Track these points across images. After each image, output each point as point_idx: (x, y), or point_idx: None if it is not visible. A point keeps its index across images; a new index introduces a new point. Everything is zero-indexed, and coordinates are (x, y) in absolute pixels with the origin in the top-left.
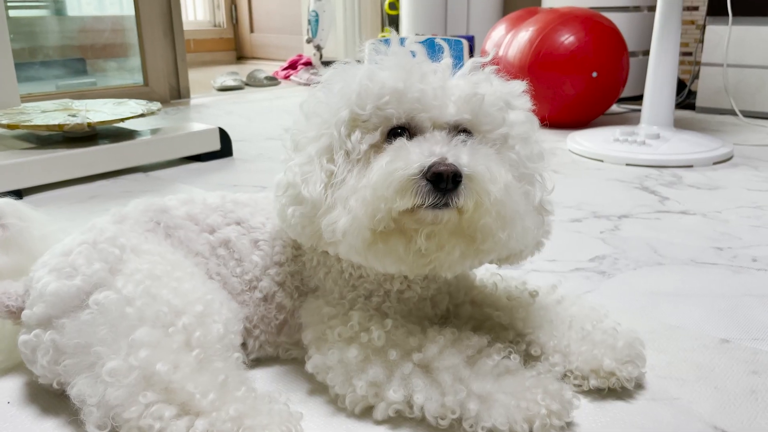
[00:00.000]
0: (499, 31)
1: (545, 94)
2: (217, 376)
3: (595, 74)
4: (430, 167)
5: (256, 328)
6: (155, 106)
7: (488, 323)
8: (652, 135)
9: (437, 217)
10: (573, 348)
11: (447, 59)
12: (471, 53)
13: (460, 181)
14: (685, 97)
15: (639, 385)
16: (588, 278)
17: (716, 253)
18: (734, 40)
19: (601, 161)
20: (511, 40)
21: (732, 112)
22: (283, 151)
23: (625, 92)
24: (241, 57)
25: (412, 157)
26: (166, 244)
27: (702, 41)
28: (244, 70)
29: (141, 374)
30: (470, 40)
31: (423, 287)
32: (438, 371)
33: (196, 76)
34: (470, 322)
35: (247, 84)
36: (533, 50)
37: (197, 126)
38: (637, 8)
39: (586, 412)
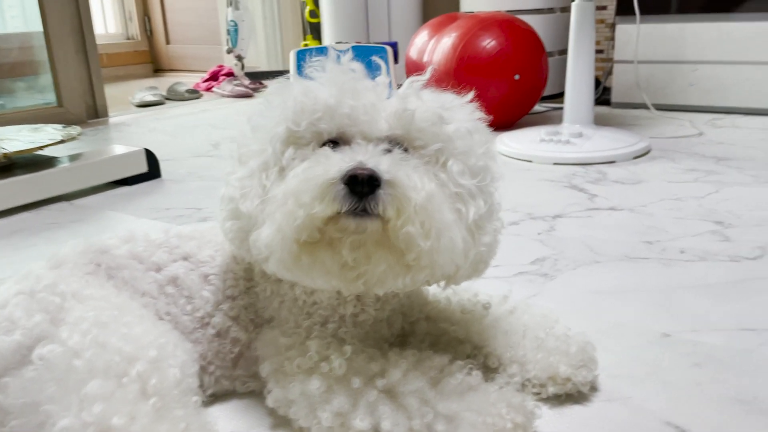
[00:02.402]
0: (422, 37)
1: (471, 98)
2: (178, 425)
3: (517, 77)
4: (347, 171)
5: (211, 364)
6: (74, 130)
7: (444, 338)
8: (575, 134)
9: (360, 226)
10: (529, 357)
11: (383, 77)
12: (396, 59)
13: (378, 185)
14: (601, 93)
15: (593, 388)
16: (532, 281)
17: (647, 247)
18: (643, 38)
19: (530, 162)
20: (434, 46)
21: (645, 106)
22: (228, 163)
23: (545, 91)
24: (158, 69)
25: (332, 162)
26: (110, 286)
27: (613, 39)
28: (163, 83)
29: (96, 430)
30: (394, 46)
31: (377, 309)
32: (403, 395)
33: (112, 92)
34: (427, 339)
35: (167, 98)
36: (457, 56)
37: (121, 148)
38: (550, 10)
39: (546, 419)
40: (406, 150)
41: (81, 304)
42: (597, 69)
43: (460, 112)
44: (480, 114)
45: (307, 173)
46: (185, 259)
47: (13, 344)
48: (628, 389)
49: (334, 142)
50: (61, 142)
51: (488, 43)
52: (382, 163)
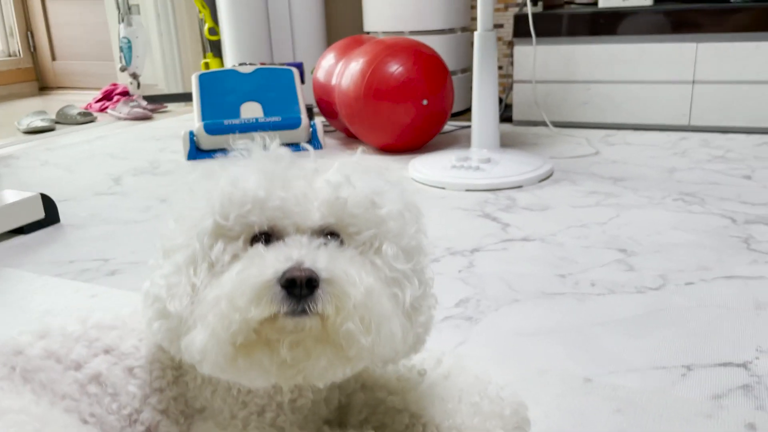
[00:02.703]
0: (329, 59)
1: (381, 123)
2: None
3: (425, 102)
4: (284, 273)
5: None
6: None
7: (381, 408)
8: (483, 159)
9: (299, 325)
10: (466, 423)
11: (311, 163)
12: (302, 80)
13: (317, 286)
14: (503, 110)
15: None
16: (458, 327)
17: (560, 281)
18: (540, 58)
19: (443, 188)
20: (342, 70)
21: (544, 123)
22: (153, 255)
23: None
24: (44, 87)
25: (267, 262)
26: (27, 391)
27: (512, 56)
28: (51, 103)
29: None
30: (299, 66)
31: (315, 391)
32: None
33: None
34: (364, 410)
35: (57, 122)
36: (366, 82)
37: (13, 195)
38: (451, 30)
39: None
40: (338, 236)
41: None
42: (498, 85)
43: (391, 193)
44: (409, 191)
45: (241, 275)
46: (107, 352)
47: None
48: None
49: (266, 234)
50: None
51: (396, 69)
52: (319, 260)
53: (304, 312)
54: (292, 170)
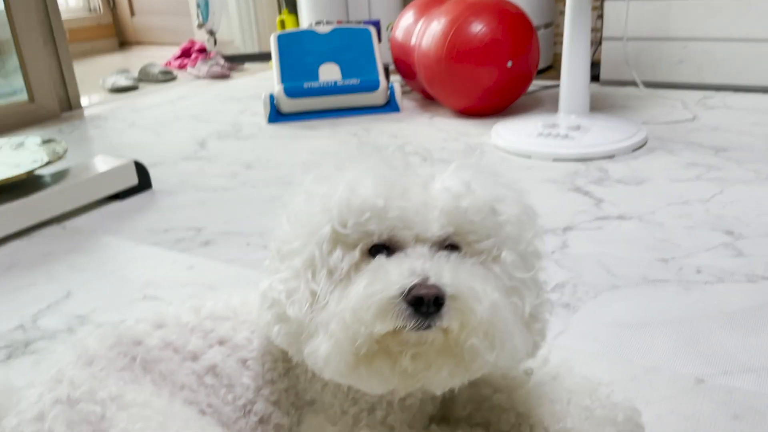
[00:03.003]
0: (408, 18)
1: (462, 86)
2: None
3: (510, 64)
4: (410, 290)
5: None
6: (60, 147)
7: (487, 404)
8: (572, 126)
9: (422, 338)
10: (577, 427)
11: (429, 168)
12: (379, 38)
13: (443, 303)
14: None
15: None
16: (556, 315)
17: (663, 266)
18: (632, 14)
19: (529, 158)
20: (423, 30)
21: (634, 84)
22: (267, 256)
23: None
24: (123, 43)
25: (392, 278)
26: (147, 381)
27: (601, 11)
28: (131, 59)
29: None
30: (376, 24)
31: (424, 390)
32: None
33: (80, 72)
34: (468, 406)
35: (140, 80)
36: (447, 43)
37: (109, 162)
38: None
39: None
40: (457, 245)
41: (123, 412)
42: None
43: (509, 197)
44: (525, 195)
45: (367, 290)
46: (221, 343)
47: None
48: None
49: (385, 244)
50: (49, 163)
51: (480, 29)
52: (445, 275)
53: (428, 327)
54: (409, 176)
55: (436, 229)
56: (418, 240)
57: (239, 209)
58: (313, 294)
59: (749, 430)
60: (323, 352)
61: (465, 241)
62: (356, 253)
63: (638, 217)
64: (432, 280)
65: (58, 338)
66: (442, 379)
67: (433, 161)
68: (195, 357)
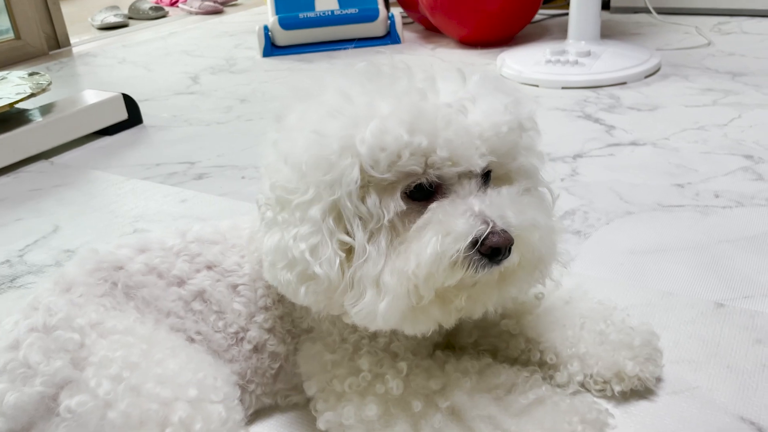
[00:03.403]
0: None
1: (466, 12)
2: None
3: None
4: (483, 240)
5: (251, 382)
6: (44, 79)
7: (494, 330)
8: (582, 53)
9: (482, 278)
10: (591, 352)
11: (458, 88)
12: None
13: (512, 245)
14: None
15: (657, 378)
16: (566, 241)
17: (679, 191)
18: None
19: (537, 86)
20: None
21: (646, 10)
22: (262, 204)
23: None
24: None
25: (459, 228)
26: (130, 308)
27: None
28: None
29: None
30: None
31: None
32: (472, 420)
33: (68, 12)
34: (475, 332)
35: (130, 18)
36: None
37: (97, 95)
38: None
39: (614, 421)
40: (490, 169)
41: (104, 339)
42: None
43: (530, 108)
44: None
45: (438, 246)
46: (209, 268)
47: (35, 396)
48: (693, 376)
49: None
50: (32, 95)
51: None
52: (509, 216)
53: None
54: (443, 102)
55: (481, 161)
56: (462, 174)
57: (234, 143)
58: (344, 247)
59: None
60: (383, 308)
61: (496, 164)
62: (397, 196)
63: (652, 143)
64: (500, 224)
65: (45, 273)
66: (483, 309)
67: (463, 75)
68: (181, 282)
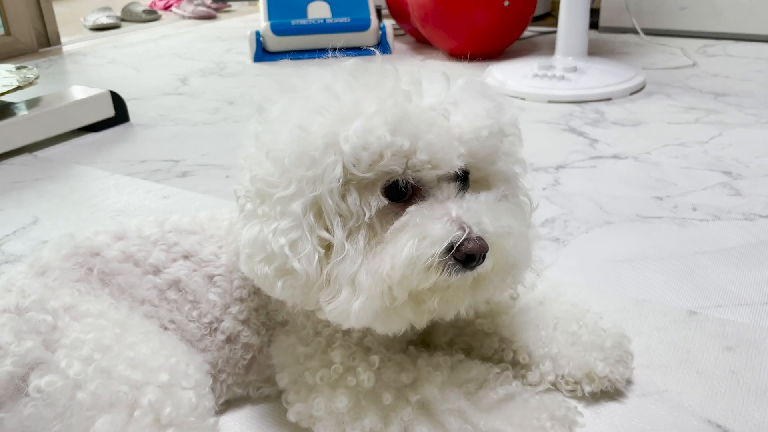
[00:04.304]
0: None
1: (457, 26)
2: None
3: (506, 3)
4: (459, 247)
5: (222, 372)
6: (31, 73)
7: (469, 329)
8: (569, 68)
9: (455, 282)
10: (563, 353)
11: (440, 92)
12: None
13: (487, 252)
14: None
15: (628, 381)
16: (545, 248)
17: (657, 204)
18: None
19: (524, 99)
20: None
21: (634, 31)
22: (241, 195)
23: None
24: None
25: (435, 233)
26: (105, 294)
27: None
28: (116, 1)
29: None
30: None
31: None
32: (442, 414)
33: (60, 12)
34: (450, 331)
35: (123, 20)
36: None
37: (84, 91)
38: None
39: (582, 419)
40: (467, 171)
41: (77, 322)
42: None
43: (512, 114)
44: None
45: (413, 250)
46: (186, 258)
47: (4, 375)
48: (662, 380)
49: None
50: (19, 88)
51: None
52: (485, 223)
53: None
54: (429, 112)
55: (459, 163)
56: (441, 177)
57: (219, 143)
58: (323, 244)
59: (742, 361)
60: (356, 307)
61: (474, 167)
62: (379, 195)
63: (634, 156)
64: (476, 231)
65: (22, 263)
66: (456, 311)
67: (448, 79)
68: (157, 270)
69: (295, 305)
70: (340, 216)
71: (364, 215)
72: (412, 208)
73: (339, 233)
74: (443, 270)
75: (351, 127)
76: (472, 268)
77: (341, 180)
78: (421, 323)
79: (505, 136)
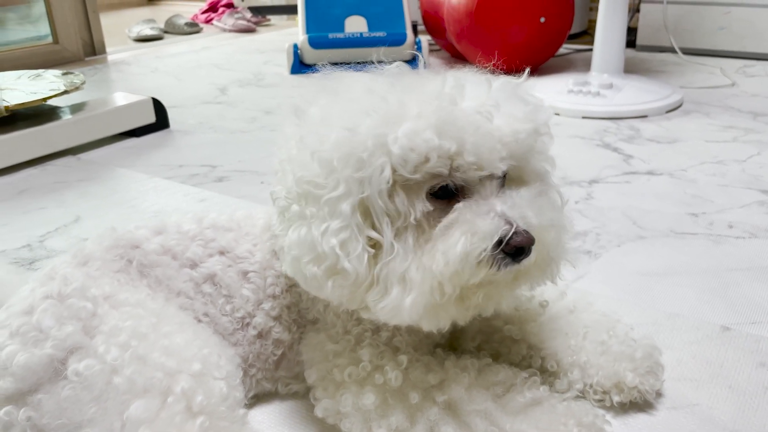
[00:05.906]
0: None
1: (492, 42)
2: None
3: (543, 19)
4: (508, 240)
5: (252, 366)
6: (78, 78)
7: (497, 336)
8: (605, 85)
9: (501, 277)
10: (592, 361)
11: (484, 95)
12: None
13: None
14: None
15: (658, 393)
16: (577, 259)
17: (693, 220)
18: None
19: (558, 114)
20: None
21: (672, 50)
22: (281, 197)
23: None
24: None
25: (484, 228)
26: (143, 285)
27: None
28: (160, 14)
29: None
30: None
31: None
32: (468, 415)
33: (107, 23)
34: (478, 337)
35: (166, 32)
36: None
37: (127, 98)
38: None
39: (611, 428)
40: (505, 174)
41: (115, 310)
42: None
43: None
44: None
45: (464, 246)
46: (222, 253)
47: (44, 358)
48: (693, 394)
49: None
50: (65, 92)
51: None
52: (529, 217)
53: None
54: (474, 115)
55: (502, 164)
56: (483, 176)
57: (255, 150)
58: (371, 243)
59: None
60: (408, 304)
61: (513, 166)
62: (424, 199)
63: (669, 173)
64: (521, 225)
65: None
66: (496, 306)
67: (489, 82)
68: (194, 264)
69: (341, 304)
70: (388, 216)
71: (412, 215)
72: (459, 205)
73: (388, 233)
74: (493, 264)
75: (399, 128)
76: (520, 261)
77: (390, 181)
78: (465, 319)
79: (539, 136)
